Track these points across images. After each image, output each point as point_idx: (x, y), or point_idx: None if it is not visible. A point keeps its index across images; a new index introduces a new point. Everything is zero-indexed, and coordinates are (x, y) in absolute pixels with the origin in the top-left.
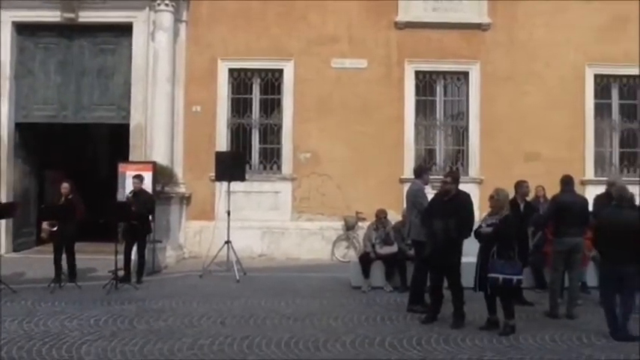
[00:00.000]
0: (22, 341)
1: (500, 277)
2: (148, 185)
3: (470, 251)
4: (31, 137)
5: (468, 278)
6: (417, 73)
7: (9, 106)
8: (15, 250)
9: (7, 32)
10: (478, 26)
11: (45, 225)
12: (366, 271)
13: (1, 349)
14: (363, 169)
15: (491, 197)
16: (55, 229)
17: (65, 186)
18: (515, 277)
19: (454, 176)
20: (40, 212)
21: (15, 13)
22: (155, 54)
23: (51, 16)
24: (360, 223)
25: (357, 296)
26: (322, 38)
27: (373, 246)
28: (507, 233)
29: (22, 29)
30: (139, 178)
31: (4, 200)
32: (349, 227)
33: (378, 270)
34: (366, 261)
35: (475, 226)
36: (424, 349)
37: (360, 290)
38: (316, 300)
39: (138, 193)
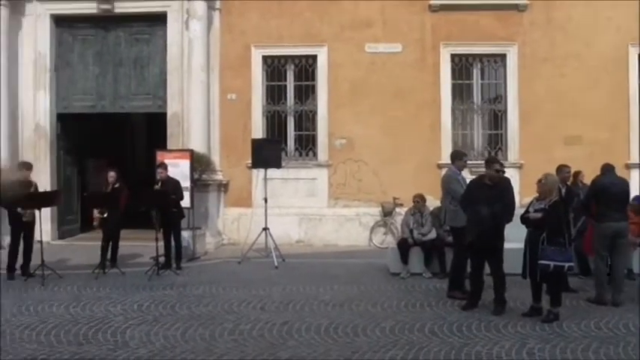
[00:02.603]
0: (69, 325)
1: (552, 264)
2: (185, 173)
3: (512, 237)
4: (71, 127)
5: (509, 264)
6: (453, 56)
7: (50, 98)
8: (60, 238)
9: (47, 25)
10: (515, 7)
11: (96, 213)
12: (404, 257)
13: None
14: (399, 154)
15: (539, 182)
16: (105, 215)
17: (112, 174)
18: (566, 264)
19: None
20: (87, 200)
21: (53, 6)
22: (190, 43)
23: (87, 7)
24: (397, 209)
25: (396, 282)
26: (355, 23)
27: (411, 232)
28: (557, 219)
29: (60, 22)
30: (163, 166)
31: (48, 189)
32: (386, 213)
33: (416, 256)
34: (404, 247)
35: (521, 212)
36: (465, 336)
37: (398, 276)
38: (354, 286)
39: (165, 181)
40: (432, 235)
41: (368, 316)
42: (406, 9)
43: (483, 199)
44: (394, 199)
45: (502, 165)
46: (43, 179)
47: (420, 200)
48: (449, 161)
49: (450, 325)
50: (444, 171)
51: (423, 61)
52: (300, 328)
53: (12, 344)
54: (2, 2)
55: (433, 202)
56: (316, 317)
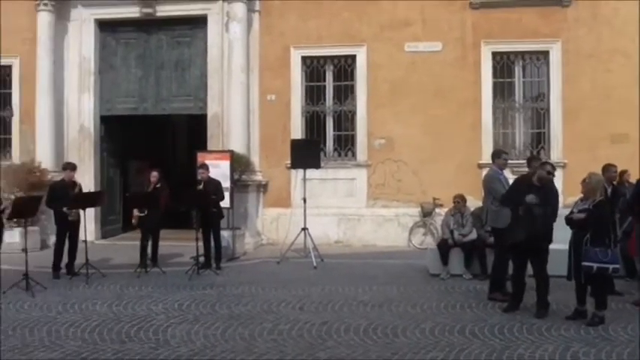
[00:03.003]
0: (112, 323)
1: (595, 265)
2: (225, 173)
3: (556, 238)
4: (114, 129)
5: (553, 265)
6: (494, 54)
7: (94, 100)
8: (103, 237)
9: (91, 30)
10: (559, 3)
11: (136, 212)
12: (444, 258)
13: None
14: (439, 154)
15: (584, 181)
16: (144, 214)
17: (154, 174)
18: (610, 266)
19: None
20: (128, 200)
21: (97, 11)
22: (230, 45)
23: (130, 12)
24: (437, 210)
25: (436, 283)
26: (395, 22)
27: (452, 232)
28: (601, 219)
29: (104, 26)
30: (204, 167)
31: (91, 189)
32: (426, 213)
33: (456, 257)
34: (444, 248)
35: (566, 212)
36: (506, 339)
37: (438, 277)
38: (394, 287)
39: (207, 182)
40: (473, 235)
41: (407, 317)
42: (446, 7)
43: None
44: (434, 199)
45: (554, 167)
46: (87, 180)
47: (460, 201)
48: (490, 161)
49: (491, 327)
50: (484, 171)
51: (464, 60)
52: (339, 328)
53: (57, 341)
54: (49, 8)
55: (474, 202)
56: (355, 318)
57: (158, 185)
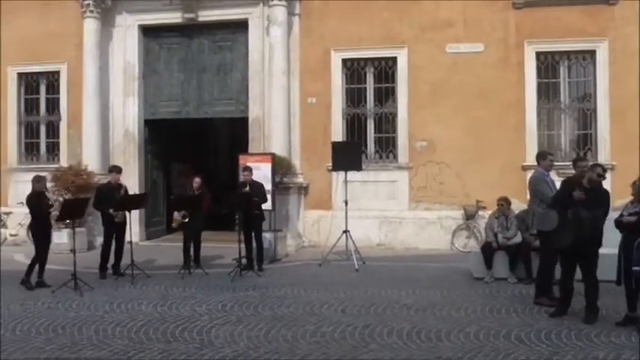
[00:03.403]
0: (157, 323)
1: None
2: (267, 176)
3: (606, 242)
4: (157, 132)
5: (603, 270)
6: (538, 54)
7: (138, 105)
8: (147, 239)
9: (135, 35)
10: (605, 1)
11: (176, 215)
12: (488, 262)
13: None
14: (482, 156)
15: (634, 184)
16: (186, 220)
17: (197, 181)
18: None
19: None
20: (172, 203)
21: (140, 17)
22: (270, 48)
23: (173, 17)
24: (480, 212)
25: (480, 287)
26: (436, 23)
27: (495, 235)
28: None
29: (147, 32)
30: (248, 169)
31: (136, 192)
32: (469, 216)
33: (500, 260)
34: (488, 251)
35: (615, 215)
36: (554, 344)
37: (482, 281)
38: (437, 290)
39: (251, 184)
40: (518, 239)
41: (451, 321)
42: (488, 8)
43: (583, 203)
44: (477, 201)
45: (605, 170)
46: (132, 182)
47: (504, 203)
48: (534, 163)
49: (537, 332)
50: (528, 173)
51: (507, 60)
52: (381, 331)
53: (105, 339)
54: (95, 15)
55: (518, 205)
56: (398, 321)
57: (200, 191)
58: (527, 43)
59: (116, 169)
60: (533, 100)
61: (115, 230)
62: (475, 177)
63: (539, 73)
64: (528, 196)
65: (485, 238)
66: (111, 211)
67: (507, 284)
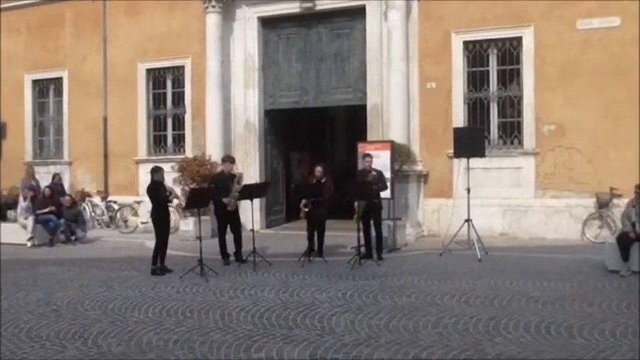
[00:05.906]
0: (279, 309)
1: None
2: (386, 164)
3: None
4: (277, 122)
5: None
6: None
7: (259, 95)
8: (267, 227)
9: (254, 27)
10: None
11: (302, 205)
12: (625, 254)
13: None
14: (618, 140)
15: None
16: (307, 209)
17: (319, 169)
18: None
19: None
20: (293, 191)
21: (259, 9)
22: (389, 33)
23: (290, 7)
24: (614, 200)
25: (615, 281)
26: None
27: (633, 225)
28: None
29: (266, 23)
30: (369, 156)
31: (257, 181)
32: (602, 205)
33: (638, 252)
34: (625, 242)
35: None
36: None
37: (618, 274)
38: (566, 283)
39: (370, 172)
40: None
41: (584, 317)
42: None
43: None
44: (611, 189)
45: None
46: (252, 171)
47: None
48: None
49: None
50: None
51: None
52: (507, 324)
53: (230, 323)
54: (216, 10)
55: None
56: (525, 314)
57: (322, 180)
58: None
59: (229, 159)
60: None
61: (227, 218)
62: (609, 163)
63: None
64: None
65: (622, 227)
66: (224, 200)
67: None
